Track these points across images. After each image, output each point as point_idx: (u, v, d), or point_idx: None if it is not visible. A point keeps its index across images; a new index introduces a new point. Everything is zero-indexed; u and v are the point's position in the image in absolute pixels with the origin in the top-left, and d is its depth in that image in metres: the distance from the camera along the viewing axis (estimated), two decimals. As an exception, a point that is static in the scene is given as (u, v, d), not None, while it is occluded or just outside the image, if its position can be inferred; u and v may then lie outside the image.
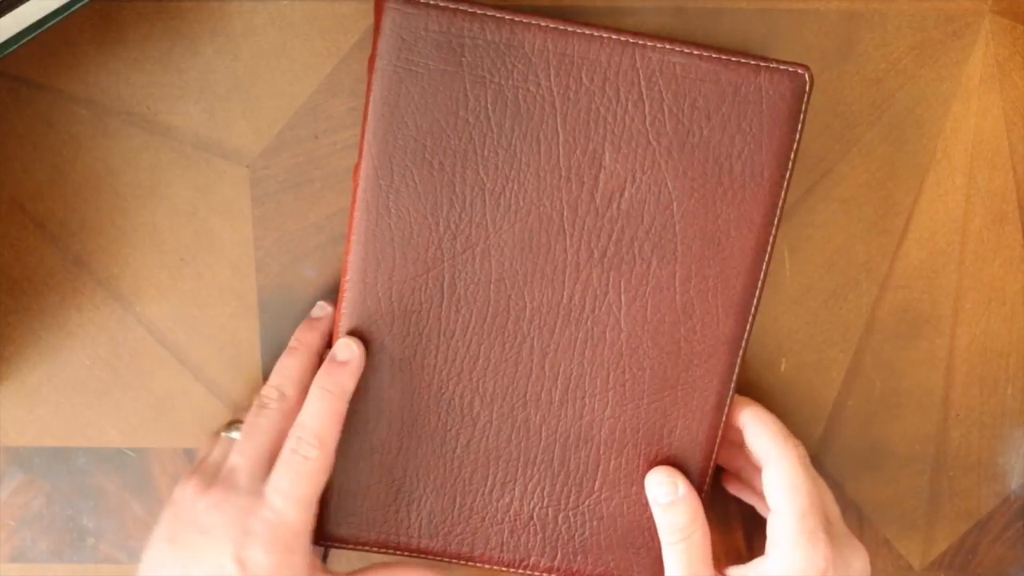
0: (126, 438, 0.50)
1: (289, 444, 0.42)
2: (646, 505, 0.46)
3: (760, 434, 0.45)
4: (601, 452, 0.45)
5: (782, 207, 0.44)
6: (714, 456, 0.46)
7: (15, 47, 0.40)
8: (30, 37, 0.40)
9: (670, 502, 0.44)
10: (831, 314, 0.50)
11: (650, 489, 0.45)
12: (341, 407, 0.43)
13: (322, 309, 0.47)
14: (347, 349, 0.44)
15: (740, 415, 0.46)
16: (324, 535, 0.45)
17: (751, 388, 0.50)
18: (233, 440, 0.45)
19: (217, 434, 0.47)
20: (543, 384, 0.44)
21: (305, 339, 0.46)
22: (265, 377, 0.49)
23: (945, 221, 0.49)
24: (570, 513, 0.46)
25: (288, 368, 0.45)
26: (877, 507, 0.52)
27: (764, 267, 0.44)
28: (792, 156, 0.43)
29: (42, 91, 0.46)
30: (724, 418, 0.45)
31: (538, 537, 0.46)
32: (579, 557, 0.46)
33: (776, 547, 0.43)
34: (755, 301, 0.44)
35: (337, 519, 0.45)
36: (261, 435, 0.43)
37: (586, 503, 0.46)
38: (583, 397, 0.45)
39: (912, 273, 0.50)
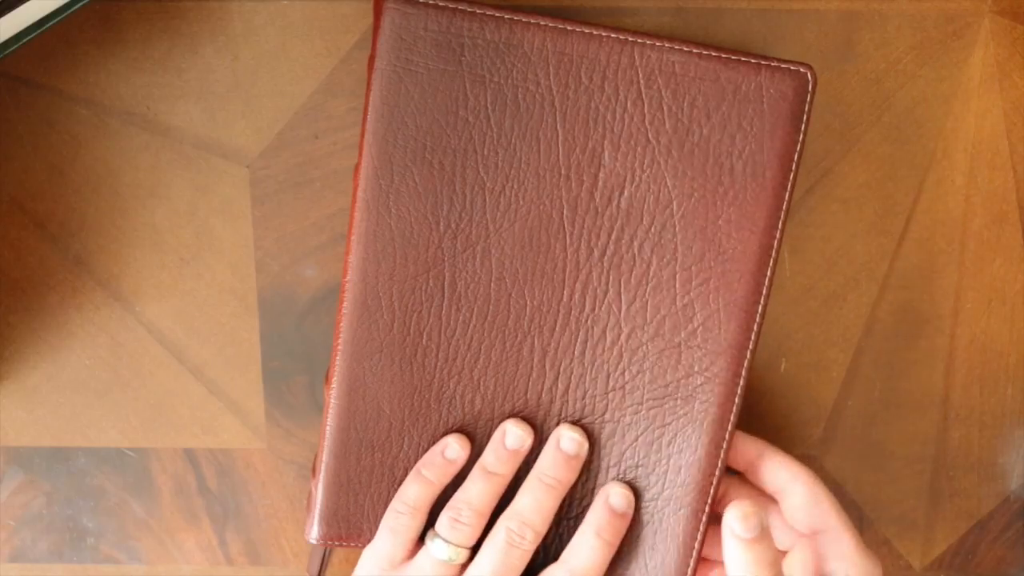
0: (126, 438, 0.50)
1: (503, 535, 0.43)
2: (644, 523, 0.44)
3: (778, 464, 0.44)
4: (601, 457, 0.45)
5: (786, 210, 0.43)
6: (716, 477, 0.44)
7: (15, 47, 0.40)
8: (30, 37, 0.40)
9: (753, 538, 0.40)
10: (831, 314, 0.50)
11: (731, 520, 0.40)
12: (612, 555, 0.43)
13: (580, 446, 0.44)
14: (626, 500, 0.43)
15: (748, 452, 0.45)
16: (325, 535, 0.45)
17: (751, 388, 0.50)
18: (445, 562, 0.43)
19: (410, 539, 0.44)
20: (543, 383, 0.44)
21: (566, 478, 0.43)
22: (265, 377, 0.49)
23: (945, 221, 0.49)
24: (571, 521, 0.45)
25: (545, 506, 0.43)
26: (877, 507, 0.52)
27: (769, 273, 0.43)
28: (796, 158, 0.42)
29: (42, 91, 0.46)
30: (730, 434, 0.44)
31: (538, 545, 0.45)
32: None
33: (842, 561, 0.42)
34: (759, 308, 0.43)
35: (338, 518, 0.45)
36: (511, 573, 0.42)
37: (583, 511, 0.45)
38: (583, 398, 0.44)
39: (912, 273, 0.50)
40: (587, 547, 0.43)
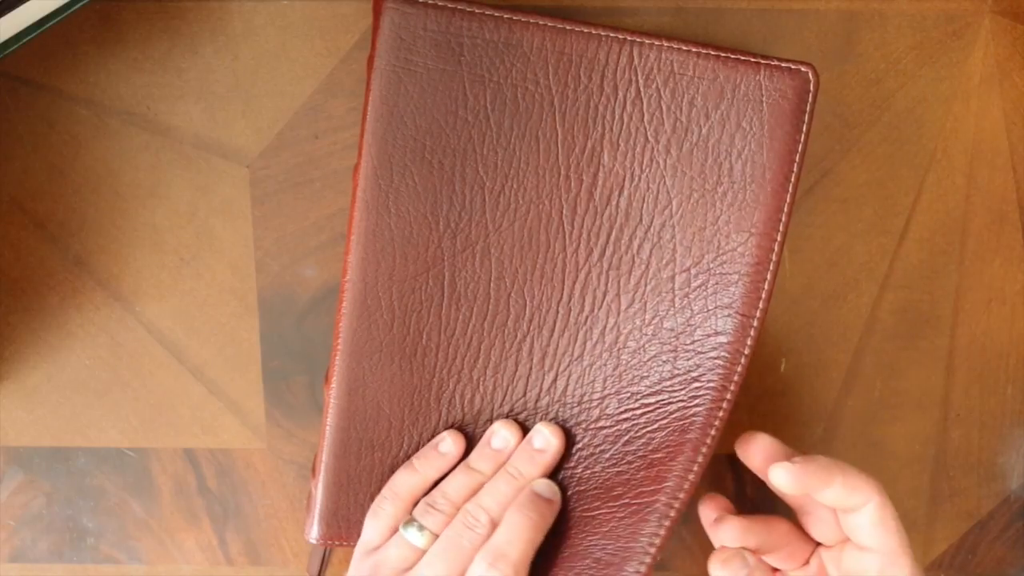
0: (126, 438, 0.50)
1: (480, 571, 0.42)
2: (608, 532, 0.43)
3: (853, 486, 0.42)
4: (588, 463, 0.44)
5: (788, 213, 0.42)
6: (687, 488, 0.41)
7: (15, 47, 0.40)
8: (30, 37, 0.40)
9: None
10: (831, 314, 0.50)
11: (716, 570, 0.42)
12: (540, 540, 0.43)
13: (547, 443, 0.44)
14: (550, 489, 0.44)
15: (818, 473, 0.42)
16: (325, 534, 0.45)
17: (751, 388, 0.50)
18: (414, 546, 0.43)
19: (389, 527, 0.44)
20: (542, 384, 0.44)
21: (529, 472, 0.44)
22: (265, 377, 0.49)
23: (945, 221, 0.49)
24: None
25: (502, 494, 0.43)
26: (877, 507, 0.52)
27: (770, 276, 0.42)
28: (797, 159, 0.42)
29: (42, 91, 0.46)
30: (713, 439, 0.42)
31: None
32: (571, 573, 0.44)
33: None
34: (758, 313, 0.42)
35: (338, 518, 0.45)
36: (461, 557, 0.42)
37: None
38: (579, 401, 0.44)
39: (912, 273, 0.50)
40: (507, 522, 0.42)
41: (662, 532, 0.42)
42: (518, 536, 0.42)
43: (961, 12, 0.47)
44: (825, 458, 0.42)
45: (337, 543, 0.45)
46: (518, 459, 0.44)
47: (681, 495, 0.42)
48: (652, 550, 0.41)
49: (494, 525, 0.43)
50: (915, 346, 0.50)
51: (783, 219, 0.42)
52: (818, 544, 0.45)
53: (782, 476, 0.41)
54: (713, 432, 0.42)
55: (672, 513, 0.42)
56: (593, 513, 0.44)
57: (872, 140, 0.48)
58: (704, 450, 0.42)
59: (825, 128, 0.48)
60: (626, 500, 0.43)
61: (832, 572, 0.44)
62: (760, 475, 0.43)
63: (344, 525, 0.45)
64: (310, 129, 0.47)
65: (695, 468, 0.42)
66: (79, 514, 0.50)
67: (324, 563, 0.49)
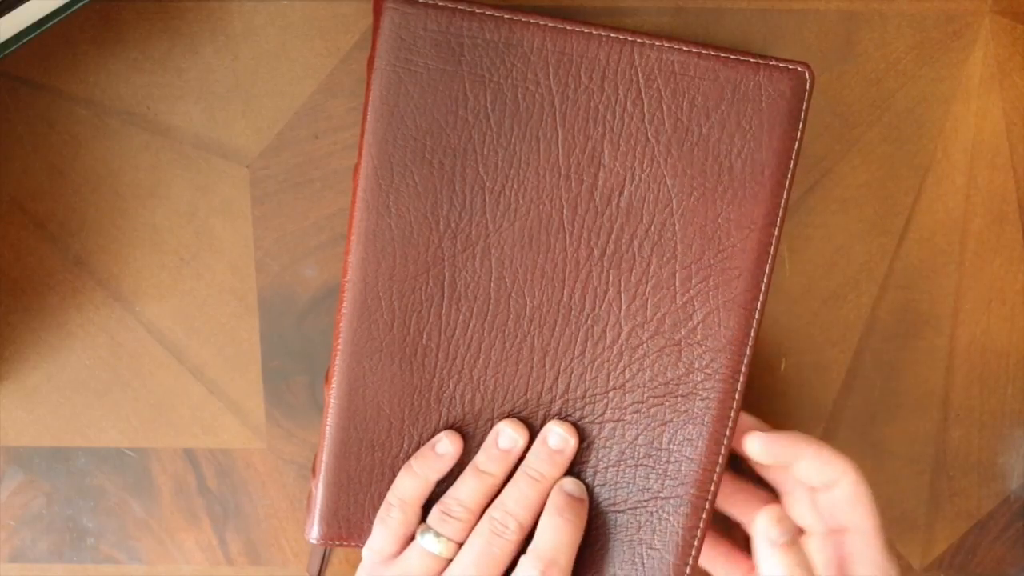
0: (126, 438, 0.50)
1: None
2: (642, 523, 0.44)
3: (827, 459, 0.43)
4: (599, 456, 0.45)
5: (785, 207, 0.43)
6: (717, 474, 0.44)
7: (15, 47, 0.40)
8: (30, 37, 0.40)
9: (787, 542, 0.42)
10: (831, 314, 0.50)
11: (766, 526, 0.42)
12: (580, 541, 0.43)
13: (565, 442, 0.44)
14: (579, 488, 0.44)
15: (789, 444, 0.43)
16: (325, 534, 0.45)
17: (751, 388, 0.50)
18: (434, 554, 0.43)
19: (399, 534, 0.44)
20: (544, 383, 0.44)
21: (550, 473, 0.44)
22: (265, 377, 0.49)
23: (945, 221, 0.49)
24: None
25: (527, 498, 0.43)
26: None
27: (768, 269, 0.43)
28: (794, 155, 0.43)
29: (42, 91, 0.46)
30: (731, 430, 0.44)
31: None
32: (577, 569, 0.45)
33: (869, 565, 0.42)
34: (759, 305, 0.43)
35: (338, 518, 0.45)
36: (494, 565, 0.42)
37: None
38: (583, 397, 0.44)
39: (912, 273, 0.50)
40: (551, 527, 0.43)
41: (701, 525, 0.44)
42: (563, 541, 0.42)
43: (961, 12, 0.47)
44: (800, 433, 0.44)
45: (337, 543, 0.45)
46: (536, 461, 0.44)
47: (712, 487, 0.44)
48: (695, 543, 0.44)
49: (523, 529, 0.43)
50: (915, 346, 0.50)
51: (780, 213, 0.43)
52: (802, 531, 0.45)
53: (755, 445, 0.43)
54: (730, 424, 0.44)
55: (707, 505, 0.44)
56: (624, 508, 0.45)
57: (872, 140, 0.48)
58: (725, 441, 0.44)
59: (825, 128, 0.48)
60: (653, 493, 0.44)
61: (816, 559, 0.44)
62: (737, 450, 0.45)
63: (344, 525, 0.45)
64: (310, 129, 0.47)
65: (719, 460, 0.44)
66: (79, 514, 0.50)
67: (324, 563, 0.49)
